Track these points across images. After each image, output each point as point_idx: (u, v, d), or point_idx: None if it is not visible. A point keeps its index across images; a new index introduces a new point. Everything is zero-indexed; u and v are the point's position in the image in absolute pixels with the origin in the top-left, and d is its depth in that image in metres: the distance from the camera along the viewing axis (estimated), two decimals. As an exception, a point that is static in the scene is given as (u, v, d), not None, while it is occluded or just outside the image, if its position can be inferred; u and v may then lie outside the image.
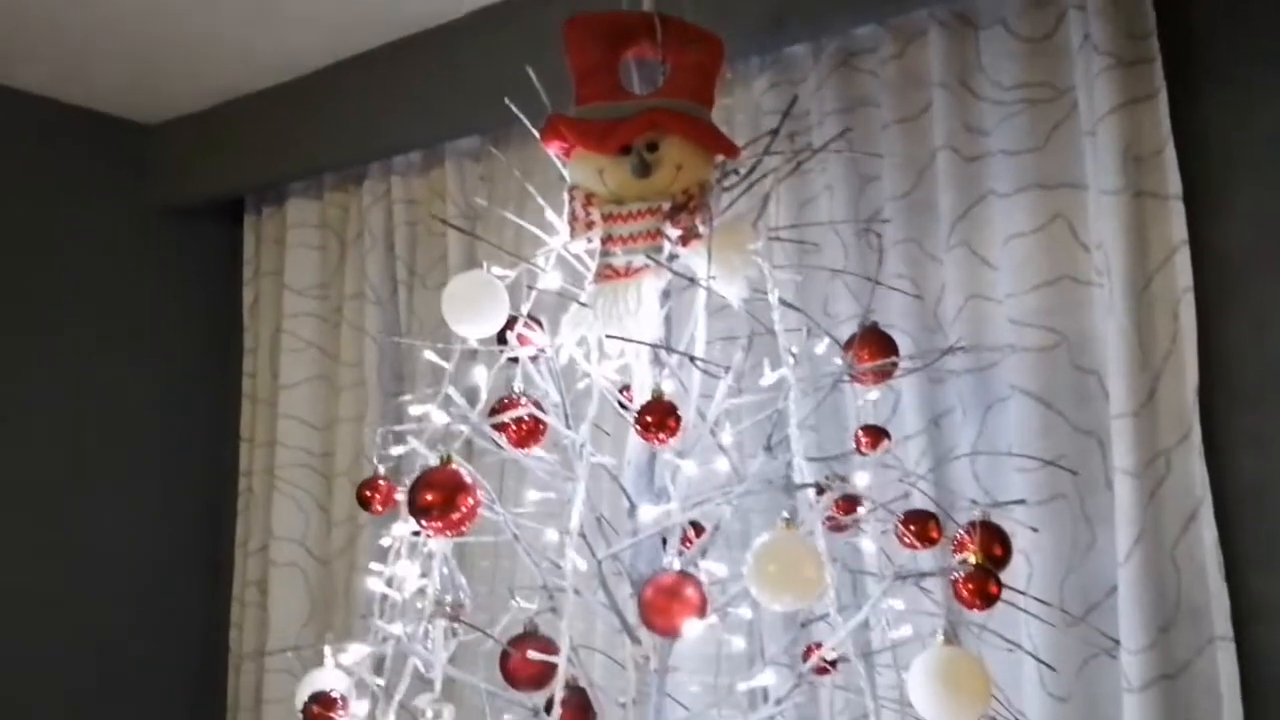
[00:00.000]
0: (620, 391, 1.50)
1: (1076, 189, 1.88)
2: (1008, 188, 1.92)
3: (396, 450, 1.53)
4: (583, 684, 1.58)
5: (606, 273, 1.40)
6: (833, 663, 1.48)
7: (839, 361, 1.57)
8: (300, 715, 1.30)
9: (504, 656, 1.52)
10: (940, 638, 1.13)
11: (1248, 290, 1.75)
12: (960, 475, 1.91)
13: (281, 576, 2.89)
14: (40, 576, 2.82)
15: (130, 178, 3.09)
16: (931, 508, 1.48)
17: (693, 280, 1.34)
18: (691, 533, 1.55)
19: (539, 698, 1.45)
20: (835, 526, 1.53)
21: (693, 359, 1.33)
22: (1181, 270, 1.76)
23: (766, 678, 1.39)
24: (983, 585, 1.26)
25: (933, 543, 1.38)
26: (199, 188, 3.08)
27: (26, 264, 2.86)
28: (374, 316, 2.83)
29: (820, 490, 1.22)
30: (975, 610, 1.29)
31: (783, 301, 1.47)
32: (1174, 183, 1.78)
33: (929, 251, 2.02)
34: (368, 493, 1.55)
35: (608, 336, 1.32)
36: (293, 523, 2.92)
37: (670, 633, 1.28)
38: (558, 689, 1.23)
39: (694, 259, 1.36)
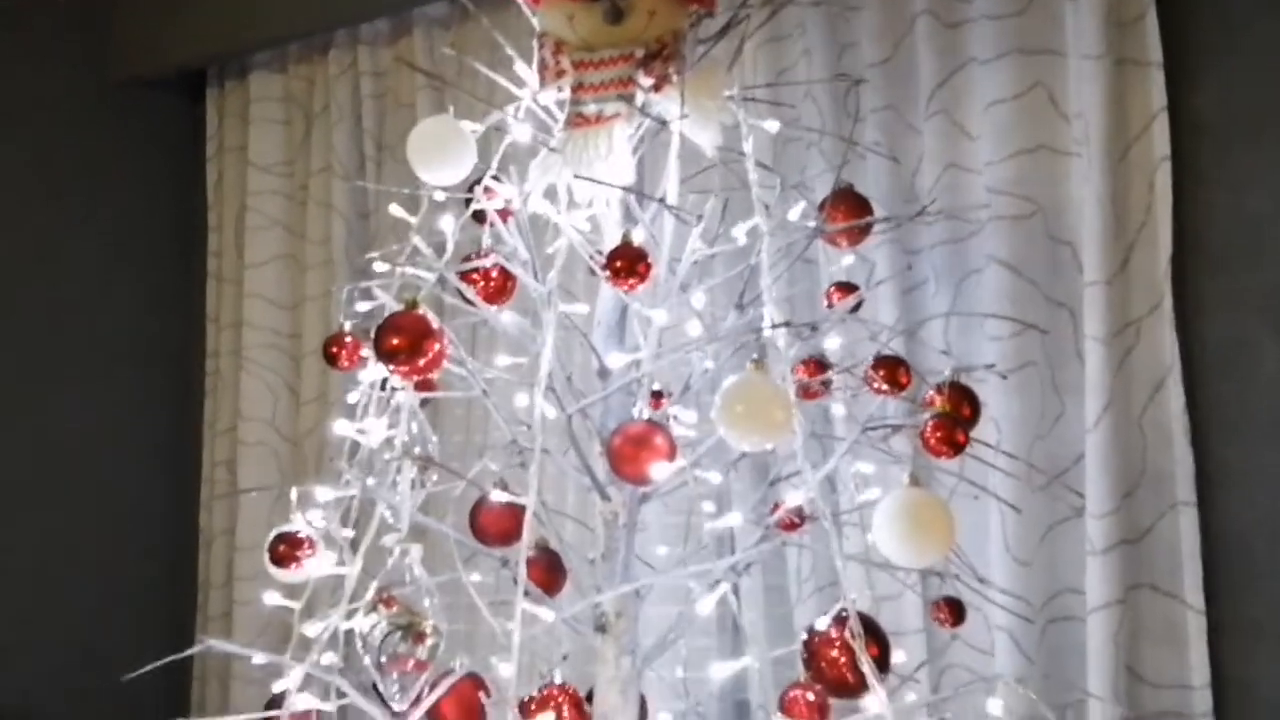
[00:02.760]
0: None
1: (1057, 55, 1.85)
2: (988, 54, 1.89)
3: (364, 306, 1.51)
4: (553, 544, 1.59)
5: (577, 120, 1.36)
6: (800, 520, 1.49)
7: (812, 223, 1.55)
8: (267, 556, 1.30)
9: (473, 512, 1.52)
10: (906, 479, 1.13)
11: (1225, 157, 1.74)
12: (932, 344, 1.91)
13: (250, 456, 2.88)
14: (5, 460, 2.79)
15: (92, 47, 2.98)
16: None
17: (664, 123, 1.31)
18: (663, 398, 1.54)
19: (509, 552, 1.45)
20: (806, 392, 1.53)
21: (664, 204, 1.31)
22: (1160, 138, 1.75)
23: (733, 519, 1.39)
24: (950, 433, 1.26)
25: (902, 388, 1.38)
26: (160, 59, 2.97)
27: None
28: (341, 193, 2.77)
29: (787, 325, 1.20)
30: (943, 458, 1.29)
31: (758, 163, 1.45)
32: (1155, 49, 1.76)
33: (908, 121, 1.99)
34: (334, 349, 1.53)
35: (576, 178, 1.29)
36: (261, 403, 2.89)
37: (639, 479, 1.28)
38: (524, 538, 1.23)
39: (666, 104, 1.33)
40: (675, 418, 1.40)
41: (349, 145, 2.78)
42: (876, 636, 1.23)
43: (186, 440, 3.09)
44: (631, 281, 1.25)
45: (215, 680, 2.91)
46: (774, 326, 1.20)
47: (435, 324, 1.23)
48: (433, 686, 1.23)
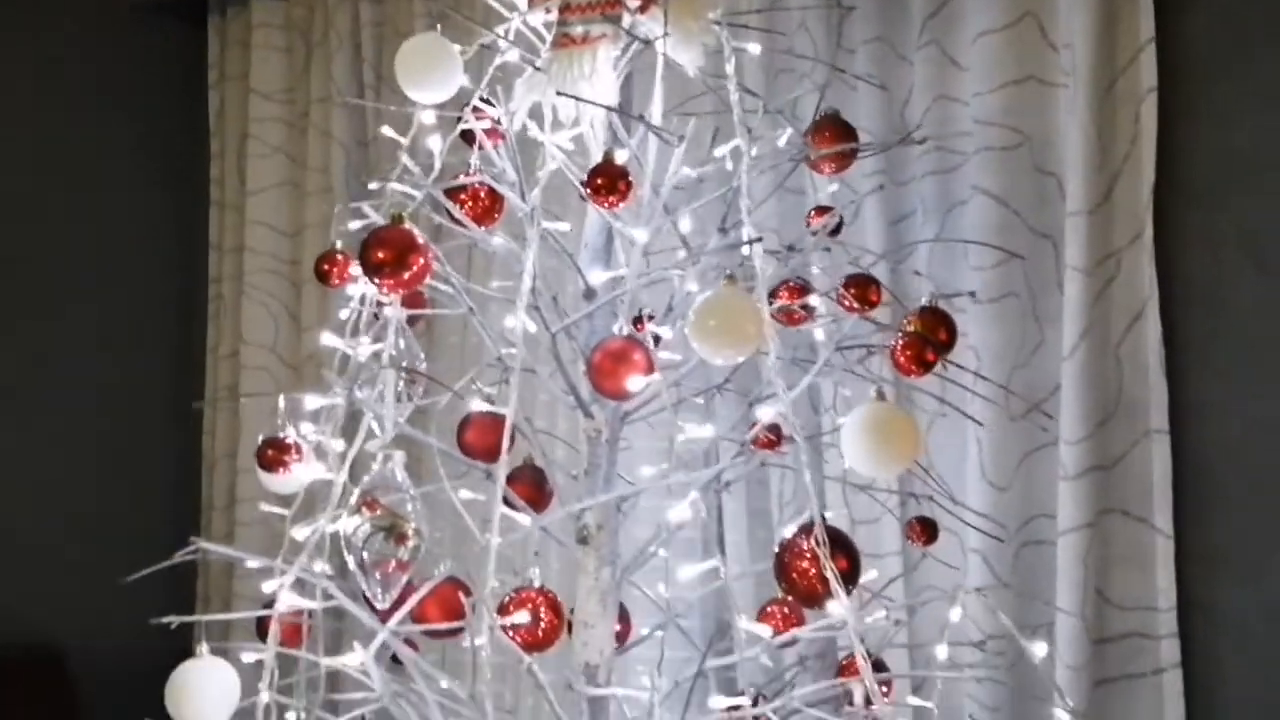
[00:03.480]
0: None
1: (1048, -17, 1.86)
2: (980, -16, 1.90)
3: (355, 224, 1.54)
4: (538, 461, 1.64)
5: (563, 41, 1.38)
6: (777, 438, 1.53)
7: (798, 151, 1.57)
8: (256, 461, 1.35)
9: (460, 428, 1.56)
10: (873, 394, 1.16)
11: (1210, 90, 1.75)
12: (916, 275, 1.94)
13: (252, 381, 2.93)
14: (12, 380, 2.84)
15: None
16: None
17: (648, 43, 1.32)
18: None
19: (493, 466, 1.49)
20: (789, 316, 1.56)
21: (647, 124, 1.33)
22: (1147, 70, 1.76)
23: (706, 430, 1.43)
24: (919, 352, 1.30)
25: (872, 305, 1.41)
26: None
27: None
28: (341, 121, 2.80)
29: (759, 241, 1.23)
30: (913, 376, 1.33)
31: (741, 86, 1.46)
32: (1145, -24, 1.77)
33: (899, 52, 2.01)
34: (325, 266, 1.56)
35: (559, 94, 1.31)
36: (262, 328, 2.94)
37: (618, 394, 1.31)
38: (503, 445, 1.27)
39: (651, 24, 1.35)
40: (657, 338, 1.43)
41: (348, 74, 2.80)
42: (845, 548, 1.27)
43: (189, 365, 3.14)
44: (612, 199, 1.28)
45: (218, 601, 2.99)
46: (749, 242, 1.22)
47: (420, 239, 1.26)
48: (415, 590, 1.29)
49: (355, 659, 1.23)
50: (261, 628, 1.40)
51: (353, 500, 1.22)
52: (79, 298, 2.96)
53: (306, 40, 2.91)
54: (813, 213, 1.56)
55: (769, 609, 1.55)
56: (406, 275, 1.26)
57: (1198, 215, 1.76)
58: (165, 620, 1.45)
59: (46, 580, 2.81)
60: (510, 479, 1.50)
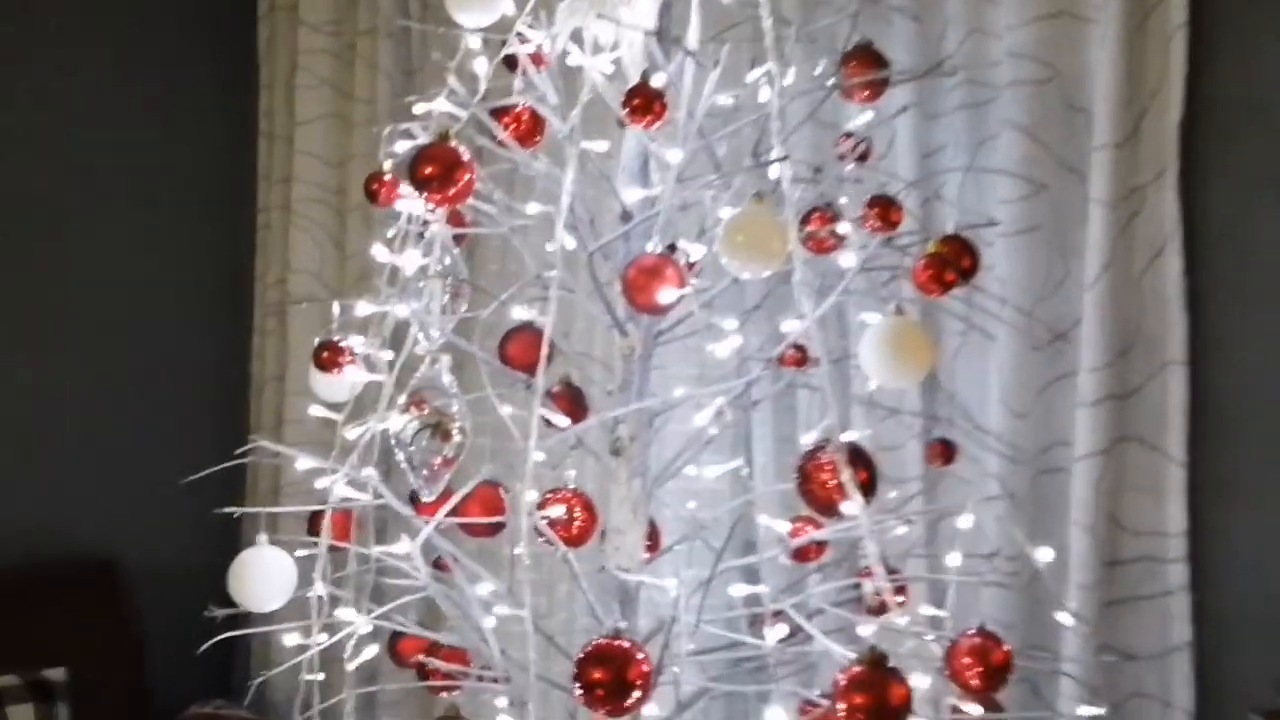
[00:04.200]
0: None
1: (1083, -80, 1.88)
2: (1017, -82, 1.92)
3: (403, 146, 1.61)
4: (574, 377, 1.72)
5: (604, -33, 1.44)
6: (803, 357, 1.59)
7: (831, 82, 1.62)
8: (312, 363, 1.43)
9: (501, 343, 1.65)
10: (892, 309, 1.23)
11: (1239, 28, 1.78)
12: (946, 206, 1.98)
13: (298, 307, 3.02)
14: (65, 299, 2.94)
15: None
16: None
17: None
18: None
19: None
20: (818, 243, 1.62)
21: (684, 49, 1.39)
22: (1177, 6, 1.79)
23: (734, 340, 1.50)
24: (940, 271, 1.36)
25: (894, 225, 1.47)
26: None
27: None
28: (387, 52, 2.86)
29: (785, 160, 1.29)
30: (933, 295, 1.39)
31: (776, 15, 1.51)
32: (1178, -88, 1.79)
33: (935, -17, 2.04)
34: (374, 186, 1.64)
35: (599, 18, 1.37)
36: (308, 256, 3.03)
37: (651, 308, 1.39)
38: (542, 353, 1.34)
39: (690, -49, 1.40)
40: (689, 258, 1.50)
41: (395, 6, 2.85)
42: (864, 461, 1.35)
43: (238, 292, 3.24)
44: (648, 119, 1.34)
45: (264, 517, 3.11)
46: (777, 160, 1.28)
47: (465, 155, 1.33)
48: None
49: (403, 548, 1.32)
50: (313, 525, 1.50)
51: (401, 400, 1.30)
52: (126, 225, 3.05)
53: (355, -29, 2.97)
54: (842, 138, 1.62)
55: (796, 525, 1.64)
56: (452, 190, 1.33)
57: (1223, 152, 1.79)
58: (228, 510, 1.54)
59: (98, 495, 2.94)
60: (550, 394, 1.59)
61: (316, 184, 3.02)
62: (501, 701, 1.51)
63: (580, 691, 1.14)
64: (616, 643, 1.15)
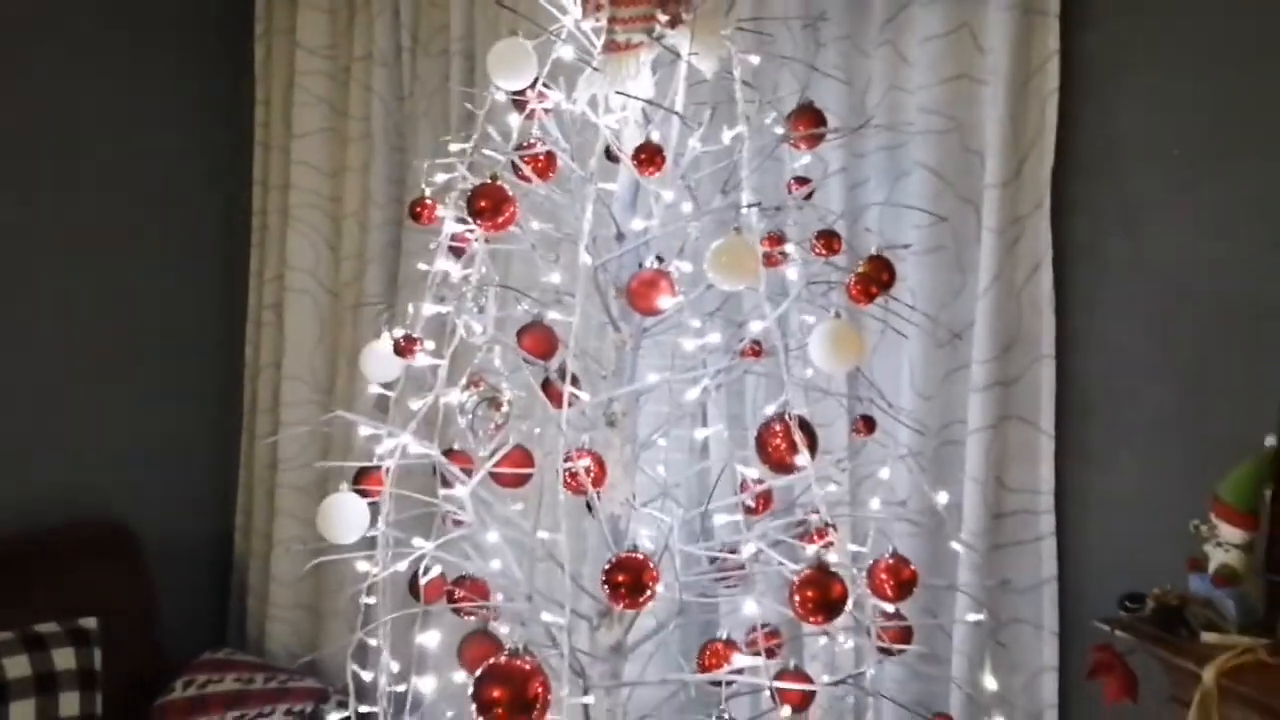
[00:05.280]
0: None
1: (979, 2, 2.33)
2: (928, -2, 2.38)
3: (442, 177, 2.00)
4: (572, 366, 2.13)
5: (612, 46, 1.84)
6: (759, 349, 2.03)
7: (780, 131, 2.05)
8: (392, 348, 1.80)
9: (519, 334, 2.05)
10: (832, 314, 1.66)
11: (1100, 91, 2.25)
12: (869, 230, 2.44)
13: (295, 300, 3.36)
14: (82, 291, 3.23)
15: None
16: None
17: (677, 55, 1.79)
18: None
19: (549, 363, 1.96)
20: (769, 260, 2.05)
21: (674, 112, 1.80)
22: (1051, 74, 2.26)
23: (714, 338, 1.92)
24: (867, 287, 1.80)
25: (834, 252, 1.91)
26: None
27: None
28: (381, 77, 3.21)
29: (759, 206, 1.72)
30: (861, 305, 1.83)
31: (744, 83, 1.94)
32: (1054, 1, 2.25)
33: (861, 48, 2.48)
34: (418, 209, 2.02)
35: (616, 93, 1.78)
36: (305, 256, 3.36)
37: (649, 310, 1.80)
38: (564, 351, 1.75)
39: (679, 39, 1.81)
40: (678, 270, 1.92)
41: (387, 35, 3.20)
42: (808, 430, 1.78)
43: (233, 287, 3.57)
44: (650, 170, 1.75)
45: (261, 489, 3.46)
46: (749, 206, 1.71)
47: (510, 192, 1.73)
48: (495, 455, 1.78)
49: (460, 492, 1.72)
50: (358, 479, 1.87)
51: (463, 380, 1.70)
52: (136, 216, 3.33)
53: (349, 2, 3.31)
54: (793, 182, 2.05)
55: (745, 481, 2.07)
56: (500, 219, 1.73)
57: (1084, 191, 2.27)
58: (318, 466, 1.91)
59: (117, 467, 3.27)
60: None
61: (313, 191, 3.36)
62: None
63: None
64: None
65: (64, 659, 2.75)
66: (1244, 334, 2.06)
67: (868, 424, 2.14)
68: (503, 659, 1.43)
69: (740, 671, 1.71)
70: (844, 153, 2.45)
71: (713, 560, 1.92)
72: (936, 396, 2.39)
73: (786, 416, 1.70)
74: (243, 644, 3.39)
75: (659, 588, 1.59)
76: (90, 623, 2.87)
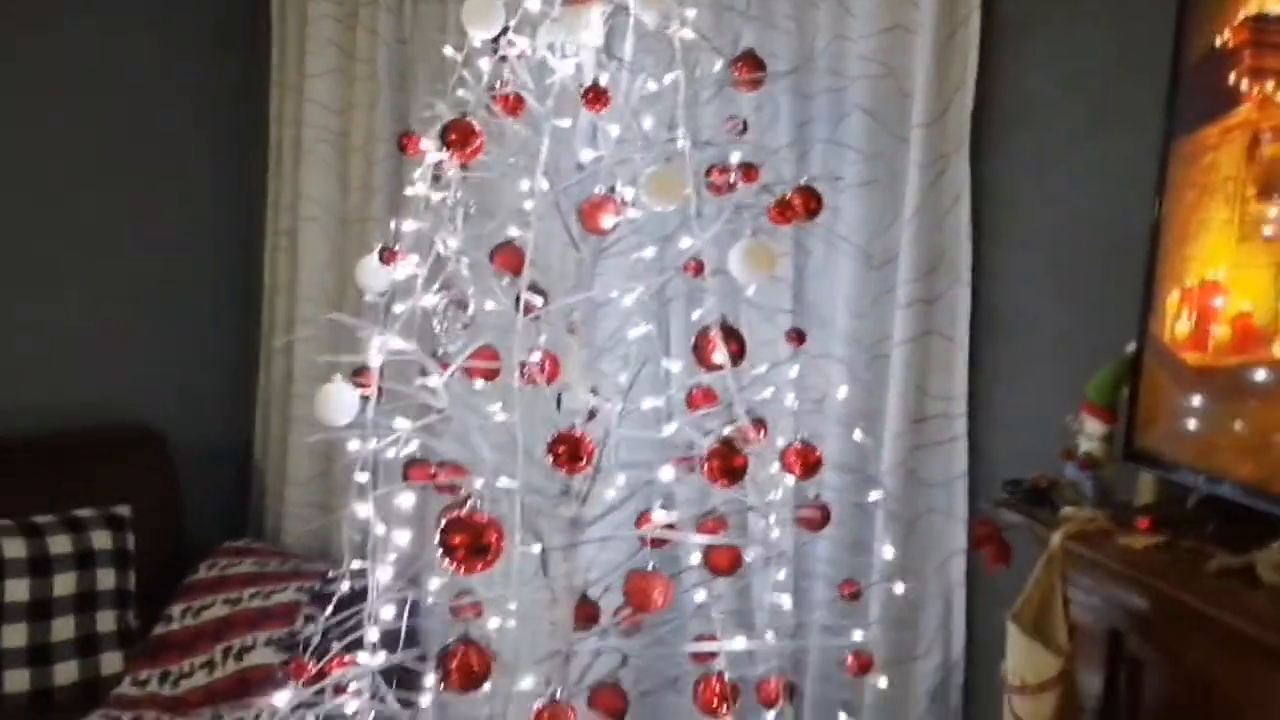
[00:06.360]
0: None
1: (915, -39, 2.60)
2: (870, -46, 2.64)
3: (427, 114, 2.29)
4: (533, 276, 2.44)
5: (569, 0, 2.13)
6: (699, 267, 2.33)
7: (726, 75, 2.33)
8: (377, 259, 2.12)
9: (491, 253, 2.35)
10: (749, 232, 1.96)
11: (1017, 43, 2.51)
12: (813, 163, 2.72)
13: (307, 226, 3.69)
14: (94, 235, 3.57)
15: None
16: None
17: (625, 8, 2.08)
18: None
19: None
20: (717, 190, 2.34)
21: (620, 60, 2.09)
22: (974, 27, 2.52)
23: (649, 251, 2.23)
24: (783, 210, 2.09)
25: (752, 180, 2.19)
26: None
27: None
28: (385, 22, 3.49)
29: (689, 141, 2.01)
30: (781, 224, 2.13)
31: (697, 32, 2.21)
32: (977, -36, 2.51)
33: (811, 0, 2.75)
34: (404, 141, 2.32)
35: (568, 39, 2.07)
36: (316, 186, 3.68)
37: (596, 229, 2.10)
38: (524, 276, 2.05)
39: (627, -5, 2.10)
40: (624, 199, 2.21)
41: (391, -17, 3.49)
42: (736, 337, 2.09)
43: (251, 214, 3.90)
44: (597, 107, 2.05)
45: (277, 398, 3.81)
46: (679, 140, 2.00)
47: (478, 127, 2.03)
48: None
49: (433, 381, 2.04)
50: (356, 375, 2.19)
51: (435, 286, 2.01)
52: (163, 150, 3.69)
53: (356, -49, 3.59)
54: (729, 120, 2.35)
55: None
56: (468, 150, 2.03)
57: (1002, 134, 2.54)
58: (320, 360, 2.22)
59: (149, 378, 3.64)
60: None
61: (323, 127, 3.66)
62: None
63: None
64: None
65: (101, 540, 3.12)
66: (1125, 263, 2.34)
67: (799, 336, 2.44)
68: (463, 513, 1.76)
69: (672, 527, 2.03)
70: (793, 94, 2.73)
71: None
72: (868, 315, 2.69)
73: (715, 325, 2.01)
74: (260, 538, 3.76)
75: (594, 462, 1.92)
76: (124, 510, 3.23)
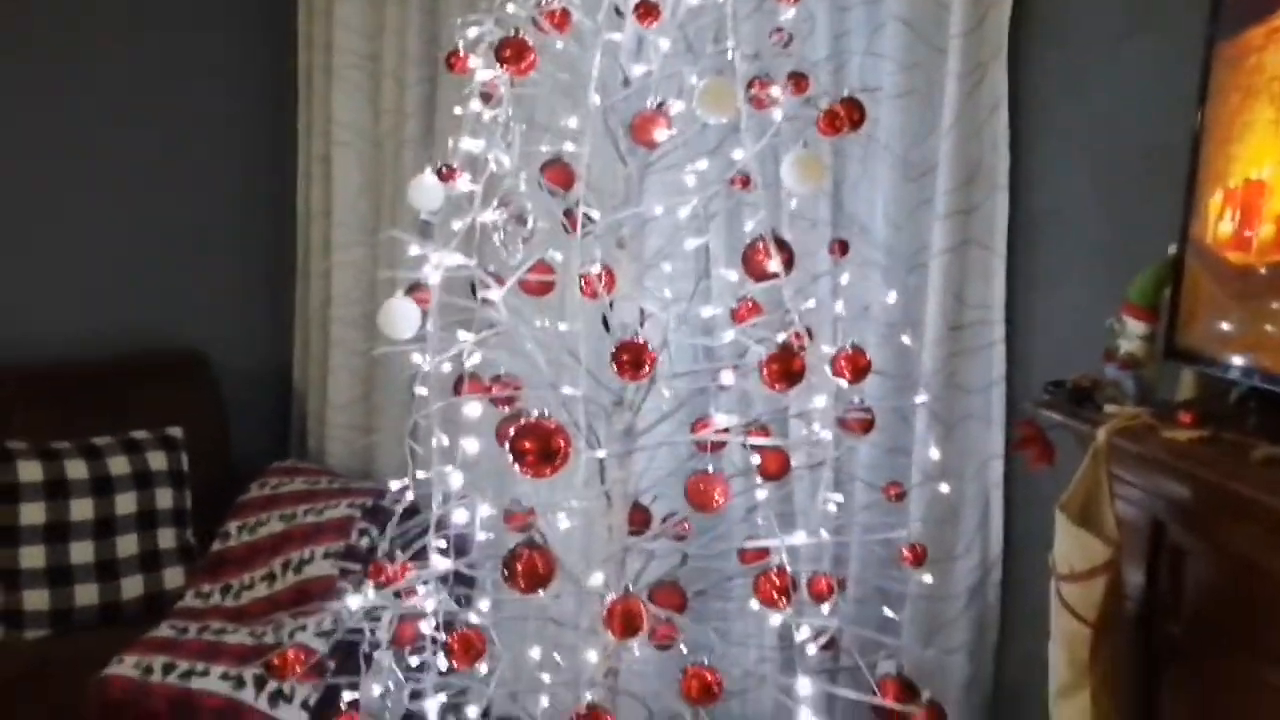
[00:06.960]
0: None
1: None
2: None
3: (472, 33, 2.32)
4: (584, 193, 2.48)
5: (617, -86, 2.15)
6: (747, 180, 2.37)
7: None
8: (434, 176, 2.16)
9: (542, 169, 2.39)
10: (801, 143, 2.00)
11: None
12: (850, 75, 2.75)
13: (341, 152, 3.72)
14: (156, 144, 3.63)
15: None
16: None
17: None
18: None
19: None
20: (759, 105, 2.37)
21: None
22: (1012, -66, 2.53)
23: (702, 164, 2.28)
24: (832, 121, 2.13)
25: (802, 91, 2.22)
26: None
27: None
28: (415, -58, 3.50)
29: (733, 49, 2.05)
30: (828, 137, 2.17)
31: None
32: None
33: (850, -90, 2.76)
34: (452, 59, 2.35)
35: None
36: (348, 110, 3.71)
37: (648, 142, 2.14)
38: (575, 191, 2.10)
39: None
40: (672, 109, 2.25)
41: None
42: (784, 247, 2.14)
43: (283, 141, 3.93)
44: (649, 21, 2.08)
45: (317, 324, 3.88)
46: (730, 51, 2.04)
47: (531, 43, 2.06)
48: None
49: (493, 295, 2.10)
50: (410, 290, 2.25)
51: (494, 201, 2.06)
52: (199, 81, 3.73)
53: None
54: (775, 31, 2.37)
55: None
56: (522, 65, 2.06)
57: (1038, 42, 2.56)
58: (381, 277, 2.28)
59: (196, 305, 3.73)
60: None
61: (353, 51, 3.67)
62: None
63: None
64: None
65: (157, 460, 3.21)
66: (1164, 168, 2.37)
67: (843, 247, 2.49)
68: (532, 420, 1.83)
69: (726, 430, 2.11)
70: (829, 7, 2.75)
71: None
72: (906, 226, 2.73)
73: (765, 235, 2.06)
74: (303, 460, 3.85)
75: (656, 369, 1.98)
76: (176, 431, 3.32)
